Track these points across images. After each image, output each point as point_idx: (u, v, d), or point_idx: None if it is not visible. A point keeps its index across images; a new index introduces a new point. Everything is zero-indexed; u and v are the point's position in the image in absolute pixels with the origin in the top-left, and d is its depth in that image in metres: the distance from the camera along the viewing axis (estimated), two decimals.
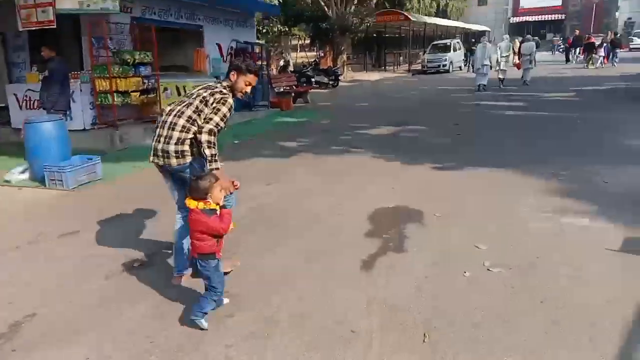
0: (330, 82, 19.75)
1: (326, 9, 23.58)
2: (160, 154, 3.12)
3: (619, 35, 26.30)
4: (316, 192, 5.52)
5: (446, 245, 3.87)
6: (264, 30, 23.49)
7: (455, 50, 27.81)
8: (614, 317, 2.74)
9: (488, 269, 3.40)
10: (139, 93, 9.03)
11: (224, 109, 3.06)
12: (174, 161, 3.09)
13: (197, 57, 11.90)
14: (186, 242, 3.31)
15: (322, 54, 26.53)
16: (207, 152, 2.94)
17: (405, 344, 2.62)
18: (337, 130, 9.88)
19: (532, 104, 12.26)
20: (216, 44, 12.62)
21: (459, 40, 30.69)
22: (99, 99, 8.71)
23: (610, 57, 23.74)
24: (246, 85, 3.26)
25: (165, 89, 10.04)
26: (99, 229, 4.52)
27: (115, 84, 8.58)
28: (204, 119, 3.04)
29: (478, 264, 3.49)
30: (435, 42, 29.34)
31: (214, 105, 3.07)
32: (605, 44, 24.10)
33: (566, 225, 4.15)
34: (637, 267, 3.33)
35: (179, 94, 10.43)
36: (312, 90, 17.04)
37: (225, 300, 3.01)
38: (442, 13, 41.96)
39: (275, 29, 24.87)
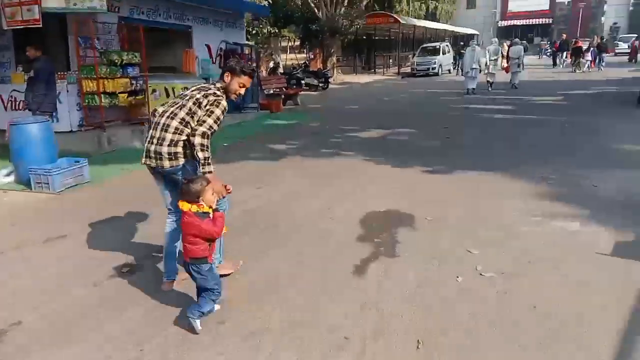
0: (320, 85, 19.73)
1: (316, 10, 23.58)
2: (153, 155, 3.07)
3: (605, 39, 26.64)
4: (306, 195, 5.49)
5: (438, 249, 3.86)
6: (254, 32, 23.39)
7: (444, 53, 27.96)
8: (608, 323, 2.74)
9: (480, 274, 3.40)
10: (126, 94, 8.91)
11: (218, 111, 3.01)
12: (166, 163, 3.04)
13: (186, 58, 11.80)
14: (177, 246, 3.27)
15: (312, 56, 26.52)
16: (200, 155, 2.90)
17: (398, 351, 2.59)
18: (327, 132, 9.86)
19: (520, 107, 12.37)
20: (205, 45, 12.52)
21: (448, 44, 30.87)
22: (86, 100, 8.59)
23: (597, 61, 24.06)
24: (240, 87, 3.21)
25: (154, 90, 9.94)
26: (86, 234, 4.43)
27: (103, 85, 8.47)
28: (197, 121, 2.99)
29: (470, 268, 3.49)
30: (424, 45, 29.46)
31: (208, 107, 3.02)
32: (592, 48, 24.42)
33: (556, 229, 4.17)
34: (628, 272, 3.34)
35: (168, 96, 10.34)
36: (302, 92, 17.00)
37: (216, 307, 2.96)
38: (431, 16, 42.22)
39: (265, 30, 24.78)
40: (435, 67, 26.39)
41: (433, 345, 2.62)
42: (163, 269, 3.41)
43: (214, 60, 12.95)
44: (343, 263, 3.65)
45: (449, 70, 28.46)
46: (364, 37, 31.04)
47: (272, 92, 14.21)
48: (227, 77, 3.18)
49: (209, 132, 2.94)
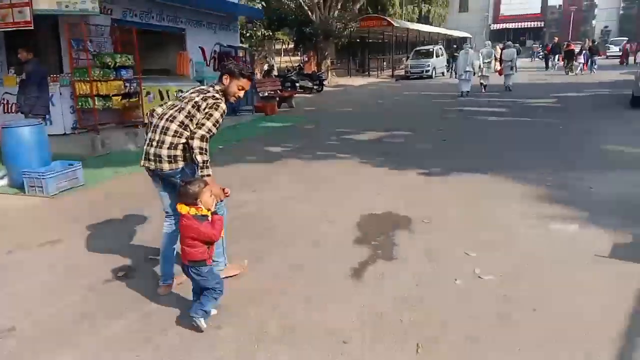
0: (315, 87, 19.74)
1: (310, 13, 23.59)
2: (152, 158, 3.05)
3: (596, 43, 26.86)
4: (302, 198, 5.46)
5: (436, 252, 3.85)
6: (248, 34, 23.34)
7: (437, 56, 28.08)
8: (608, 326, 2.73)
9: (479, 277, 3.38)
10: (120, 97, 8.87)
11: (217, 114, 2.99)
12: (165, 166, 3.02)
13: (180, 60, 11.77)
14: (175, 249, 3.25)
15: (306, 59, 26.51)
16: (199, 158, 2.87)
17: (398, 355, 2.57)
18: (322, 135, 9.84)
19: (514, 109, 12.42)
20: (199, 47, 12.50)
21: (441, 47, 31.02)
22: (80, 103, 8.54)
23: (589, 64, 24.25)
24: (239, 89, 3.19)
25: (148, 92, 9.89)
26: (80, 238, 4.37)
27: (96, 88, 8.42)
28: (196, 124, 2.97)
29: (468, 271, 3.47)
30: (418, 48, 29.57)
31: (207, 110, 3.00)
32: (584, 51, 24.62)
33: (554, 232, 4.17)
34: (627, 274, 3.33)
35: (162, 98, 10.29)
36: (297, 95, 16.99)
37: (213, 312, 2.92)
38: (424, 19, 42.44)
39: (259, 33, 24.73)
40: (429, 70, 26.49)
41: (433, 349, 2.60)
42: (160, 273, 3.37)
43: (208, 62, 12.93)
44: (340, 266, 3.62)
45: (443, 73, 28.59)
46: (358, 40, 31.08)
47: (266, 94, 14.19)
48: (226, 80, 3.16)
49: (208, 136, 2.92)
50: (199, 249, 2.71)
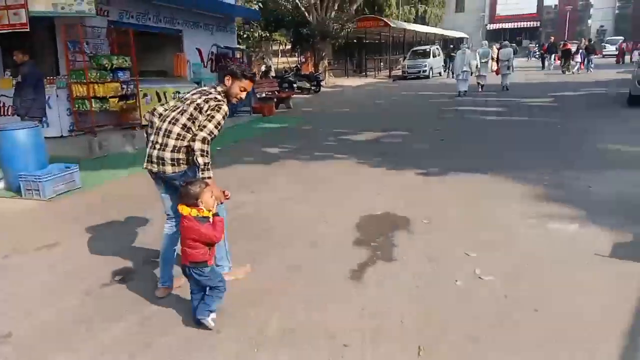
0: (312, 88, 19.72)
1: (307, 14, 23.58)
2: (156, 160, 3.04)
3: (592, 42, 26.94)
4: (300, 199, 5.44)
5: (436, 252, 3.83)
6: (245, 36, 23.32)
7: (434, 56, 28.10)
8: (610, 326, 2.72)
9: (479, 277, 3.37)
10: (117, 99, 8.83)
11: (218, 116, 2.98)
12: (169, 169, 3.02)
13: (177, 62, 11.74)
14: (175, 250, 3.24)
15: (304, 60, 26.50)
16: (200, 160, 2.86)
17: (399, 358, 2.55)
18: (320, 136, 9.83)
19: (512, 109, 12.42)
20: (196, 48, 12.47)
21: (438, 47, 31.05)
22: (76, 105, 8.50)
23: (586, 63, 24.30)
24: (241, 90, 3.18)
25: (145, 94, 9.85)
26: (78, 241, 4.34)
27: (93, 90, 8.38)
28: (198, 126, 2.96)
29: (469, 271, 3.46)
30: (415, 48, 29.59)
31: (208, 112, 2.99)
32: (581, 51, 24.68)
33: (554, 232, 4.16)
34: (628, 273, 3.32)
35: (159, 100, 10.25)
36: (294, 95, 16.97)
37: (213, 315, 2.90)
38: (420, 19, 42.51)
39: (256, 34, 24.71)
40: (426, 70, 26.50)
41: (434, 351, 2.58)
42: (159, 275, 3.34)
43: (206, 64, 12.90)
44: (340, 268, 3.60)
45: (440, 73, 28.61)
46: (355, 41, 31.09)
47: (264, 95, 14.16)
48: (228, 81, 3.15)
49: (209, 138, 2.91)
50: (200, 250, 2.72)
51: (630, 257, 3.52)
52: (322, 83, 21.21)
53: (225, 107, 3.04)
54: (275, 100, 14.55)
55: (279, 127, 11.42)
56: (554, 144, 7.88)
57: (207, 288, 2.82)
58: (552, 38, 30.54)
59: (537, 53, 35.48)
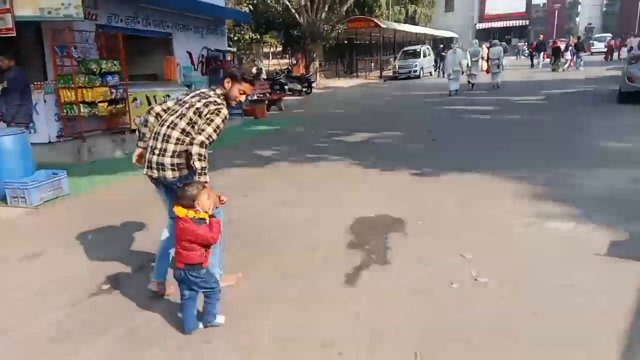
0: (304, 89, 19.67)
1: (297, 16, 23.53)
2: (155, 166, 2.99)
3: (581, 39, 27.09)
4: (293, 202, 5.36)
5: (431, 254, 3.77)
6: (235, 38, 23.24)
7: (425, 56, 28.16)
8: (610, 327, 2.66)
9: (475, 279, 3.31)
10: (106, 103, 8.71)
11: (218, 120, 2.92)
12: (169, 174, 2.96)
13: (167, 65, 11.62)
14: (170, 254, 3.21)
15: (295, 61, 26.46)
16: (197, 164, 2.81)
17: None
18: (312, 137, 9.76)
19: (504, 107, 12.43)
20: (187, 52, 12.36)
21: (428, 47, 31.12)
22: (65, 110, 8.37)
23: (575, 60, 24.44)
24: (240, 93, 3.13)
25: (135, 98, 9.72)
26: (64, 250, 4.24)
27: (81, 94, 8.26)
28: (197, 130, 2.90)
29: (465, 274, 3.40)
30: (405, 49, 29.64)
31: (208, 115, 2.93)
32: (570, 48, 24.82)
33: (550, 231, 4.11)
34: (626, 272, 3.27)
35: (149, 104, 10.12)
36: (286, 97, 16.90)
37: (201, 325, 2.82)
38: (410, 20, 42.62)
39: (247, 37, 24.64)
40: (416, 70, 26.56)
41: (432, 357, 2.51)
42: (153, 271, 3.28)
43: (196, 67, 12.79)
44: (334, 272, 3.53)
45: (430, 73, 28.69)
46: (346, 42, 31.09)
47: (255, 97, 14.06)
48: (227, 84, 3.10)
49: (207, 142, 2.85)
50: (197, 252, 2.69)
51: (627, 256, 3.48)
52: (314, 84, 21.16)
53: (224, 111, 2.99)
54: (266, 102, 14.46)
55: (271, 130, 11.34)
56: (546, 142, 7.87)
57: (204, 295, 2.78)
58: (541, 36, 30.68)
59: (527, 51, 35.66)
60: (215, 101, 3.01)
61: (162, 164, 2.96)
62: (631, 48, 22.64)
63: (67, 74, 8.25)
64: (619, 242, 3.76)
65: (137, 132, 3.31)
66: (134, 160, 3.28)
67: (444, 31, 43.18)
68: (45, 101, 8.32)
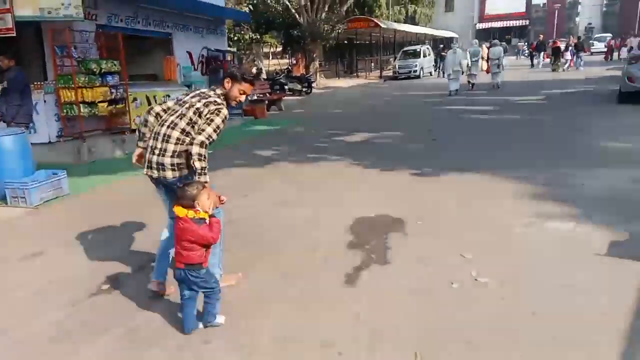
0: (304, 89, 19.68)
1: (297, 16, 23.53)
2: (155, 166, 2.99)
3: (581, 39, 27.11)
4: (293, 202, 5.36)
5: (431, 254, 3.76)
6: (235, 38, 23.25)
7: (425, 56, 28.17)
8: (610, 327, 2.66)
9: (475, 279, 3.31)
10: (106, 103, 8.71)
11: (218, 120, 2.92)
12: (169, 174, 2.96)
13: (167, 65, 11.62)
14: (170, 254, 3.21)
15: (295, 61, 26.45)
16: (197, 164, 2.81)
17: None
18: (312, 137, 9.76)
19: (504, 107, 12.43)
20: (186, 52, 12.37)
21: (428, 47, 31.13)
22: (65, 110, 8.37)
23: (575, 60, 24.44)
24: (241, 94, 3.13)
25: (135, 99, 9.72)
26: (64, 250, 4.24)
27: (81, 95, 8.26)
28: (197, 130, 2.90)
29: (465, 273, 3.40)
30: (405, 49, 29.65)
31: (208, 115, 2.93)
32: (570, 48, 24.83)
33: (550, 231, 4.11)
34: (626, 272, 3.27)
35: (149, 104, 10.12)
36: (286, 97, 16.91)
37: (201, 325, 2.82)
38: (410, 20, 42.62)
39: (247, 37, 24.64)
40: (416, 70, 26.56)
41: (432, 357, 2.51)
42: (153, 271, 3.28)
43: (196, 67, 12.79)
44: (334, 272, 3.53)
45: (430, 73, 28.69)
46: (346, 42, 31.10)
47: (255, 97, 14.07)
48: (227, 84, 3.09)
49: (207, 142, 2.85)
50: (197, 252, 2.69)
51: (627, 256, 3.48)
52: (314, 84, 21.17)
53: (225, 111, 2.98)
54: (266, 102, 14.47)
55: (271, 129, 11.34)
56: (546, 142, 7.87)
57: (204, 295, 2.78)
58: (541, 36, 30.70)
59: (526, 51, 35.67)
60: (215, 101, 3.01)
61: (162, 164, 2.96)
62: (631, 48, 22.64)
63: (67, 74, 8.25)
64: (619, 242, 3.76)
65: (137, 132, 3.32)
66: (134, 160, 3.29)
67: (444, 31, 43.18)
68: (45, 101, 8.32)
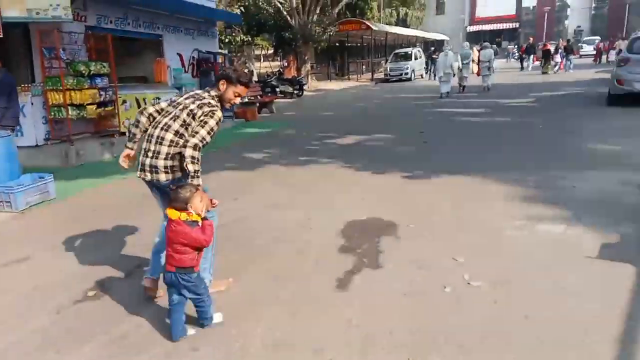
0: (295, 92, 19.66)
1: (289, 18, 23.52)
2: (148, 169, 2.94)
3: (570, 42, 27.37)
4: (284, 205, 5.32)
5: (423, 258, 3.74)
6: (227, 40, 23.16)
7: (416, 58, 28.29)
8: (602, 330, 2.65)
9: (468, 283, 3.28)
10: (95, 106, 8.60)
11: (212, 122, 2.88)
12: (162, 177, 2.92)
13: (157, 67, 11.52)
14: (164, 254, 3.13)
15: (286, 64, 26.43)
16: (190, 167, 2.77)
17: None
18: (304, 140, 9.72)
19: (494, 110, 12.48)
20: (177, 53, 12.28)
21: (419, 49, 31.26)
22: (52, 113, 8.26)
23: (565, 63, 24.67)
24: (235, 96, 3.08)
25: (124, 101, 9.64)
26: (50, 255, 4.16)
27: (70, 97, 8.15)
28: (190, 132, 2.86)
29: (457, 277, 3.37)
30: (396, 51, 29.76)
31: (202, 118, 2.89)
32: (560, 51, 25.06)
33: (542, 233, 4.11)
34: (618, 276, 3.26)
35: (139, 106, 10.03)
36: (277, 100, 16.87)
37: (191, 332, 2.77)
38: (402, 22, 42.80)
39: (238, 39, 24.57)
40: (408, 73, 26.67)
41: None
42: (149, 266, 3.24)
43: (187, 69, 12.72)
44: (326, 277, 3.49)
45: (422, 75, 28.82)
46: (337, 44, 31.15)
47: (247, 100, 14.01)
48: (222, 86, 3.05)
49: (201, 145, 2.81)
50: (189, 255, 2.65)
51: (619, 258, 3.48)
52: (305, 87, 21.17)
53: (219, 113, 2.94)
54: (258, 104, 14.43)
55: (262, 132, 11.29)
56: (536, 144, 7.90)
57: (195, 305, 2.75)
58: (531, 39, 30.95)
59: (516, 54, 35.94)
60: (209, 103, 2.97)
61: (156, 167, 2.92)
62: (620, 51, 22.85)
63: (55, 76, 8.14)
64: (610, 244, 3.77)
65: (127, 132, 3.26)
66: (120, 161, 3.23)
67: (435, 34, 43.41)
68: (32, 103, 8.21)
